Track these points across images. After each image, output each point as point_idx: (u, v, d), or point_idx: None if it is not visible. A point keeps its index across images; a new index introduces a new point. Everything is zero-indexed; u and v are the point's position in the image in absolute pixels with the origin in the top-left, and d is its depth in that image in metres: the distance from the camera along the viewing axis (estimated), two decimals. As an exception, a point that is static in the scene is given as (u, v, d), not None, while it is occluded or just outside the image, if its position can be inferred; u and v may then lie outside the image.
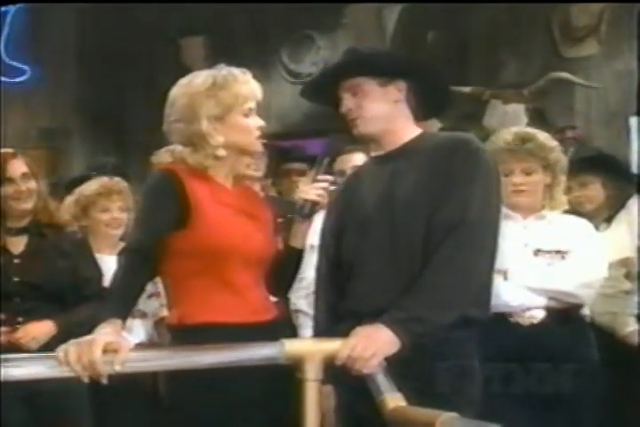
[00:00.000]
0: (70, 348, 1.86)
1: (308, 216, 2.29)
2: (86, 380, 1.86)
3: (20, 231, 3.07)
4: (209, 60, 6.58)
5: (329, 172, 2.32)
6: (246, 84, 2.27)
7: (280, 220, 2.85)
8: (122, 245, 2.81)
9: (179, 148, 2.33)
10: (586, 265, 2.80)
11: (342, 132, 2.39)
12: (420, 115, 2.36)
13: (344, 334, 2.05)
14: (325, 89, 2.33)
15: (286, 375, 1.97)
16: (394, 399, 1.90)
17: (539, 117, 5.53)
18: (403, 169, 2.24)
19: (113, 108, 7.43)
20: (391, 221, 2.19)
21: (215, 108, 2.22)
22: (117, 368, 1.86)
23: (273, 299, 2.41)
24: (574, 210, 3.29)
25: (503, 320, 2.73)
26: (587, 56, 5.71)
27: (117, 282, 2.09)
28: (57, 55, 7.41)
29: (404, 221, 2.17)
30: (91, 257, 3.31)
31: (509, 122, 5.14)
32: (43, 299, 3.00)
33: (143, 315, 3.44)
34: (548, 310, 2.77)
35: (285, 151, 4.62)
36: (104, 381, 1.86)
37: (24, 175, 3.06)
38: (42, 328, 2.94)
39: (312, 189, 2.27)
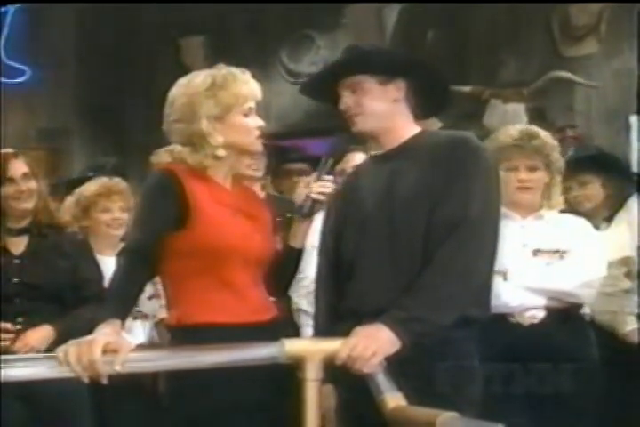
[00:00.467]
0: (70, 348, 1.86)
1: (308, 215, 2.29)
2: (86, 380, 1.86)
3: (20, 232, 3.07)
4: (209, 59, 6.58)
5: (331, 172, 2.32)
6: (246, 84, 2.26)
7: (279, 219, 2.85)
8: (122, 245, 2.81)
9: (178, 147, 2.33)
10: (585, 264, 2.80)
11: (343, 132, 2.39)
12: (420, 114, 2.36)
13: (344, 333, 2.04)
14: (325, 86, 2.33)
15: (286, 375, 1.97)
16: (394, 399, 1.90)
17: (538, 117, 5.52)
18: (402, 168, 2.23)
19: (113, 109, 7.43)
20: (390, 219, 2.19)
21: (215, 108, 2.22)
22: (117, 368, 1.85)
23: (272, 298, 2.41)
24: (573, 209, 3.29)
25: (504, 320, 2.73)
26: (586, 55, 5.71)
27: (116, 282, 2.09)
28: (56, 55, 7.40)
29: (404, 219, 2.17)
30: (91, 258, 3.30)
31: (509, 121, 5.12)
32: (43, 300, 3.00)
33: (144, 316, 3.44)
34: (548, 309, 2.77)
35: (285, 151, 4.62)
36: (104, 381, 1.86)
37: (25, 175, 3.06)
38: (40, 335, 2.93)
39: (319, 187, 2.26)
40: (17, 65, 7.29)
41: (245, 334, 2.06)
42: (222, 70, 2.27)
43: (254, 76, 2.31)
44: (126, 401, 3.24)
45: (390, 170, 2.25)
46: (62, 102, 7.46)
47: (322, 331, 2.32)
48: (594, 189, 3.67)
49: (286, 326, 2.86)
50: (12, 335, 2.90)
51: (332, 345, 1.99)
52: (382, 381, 1.94)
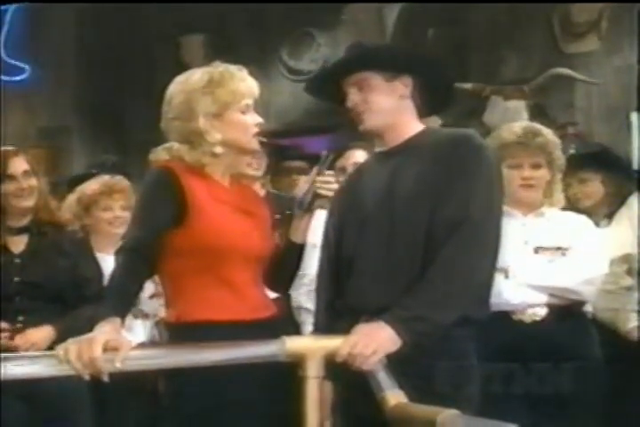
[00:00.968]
0: (70, 346, 1.85)
1: (308, 209, 2.28)
2: (87, 378, 1.86)
3: (20, 230, 3.07)
4: (209, 58, 6.55)
5: (330, 168, 2.31)
6: (243, 81, 2.26)
7: (279, 216, 2.85)
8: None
9: (176, 145, 2.33)
10: (586, 261, 2.80)
11: (343, 129, 2.38)
12: (424, 111, 2.35)
13: (344, 331, 2.04)
14: (330, 84, 2.32)
15: (287, 373, 1.97)
16: (395, 396, 1.89)
17: (539, 114, 5.51)
18: (404, 165, 2.23)
19: (113, 107, 7.42)
20: (391, 217, 2.18)
21: (212, 106, 2.21)
22: (118, 366, 1.85)
23: (272, 295, 2.40)
24: (573, 206, 3.29)
25: (505, 318, 2.73)
26: (587, 52, 5.70)
27: (115, 280, 2.08)
28: (56, 54, 7.39)
29: (405, 218, 2.16)
30: (91, 256, 3.30)
31: (510, 118, 5.12)
32: (43, 298, 2.99)
33: (145, 315, 3.44)
34: (550, 307, 2.77)
35: (284, 149, 4.61)
36: (105, 378, 1.86)
37: (25, 173, 3.06)
38: (41, 334, 2.92)
39: (321, 182, 2.25)
40: (17, 63, 7.28)
41: (244, 332, 2.05)
42: (219, 67, 2.26)
43: (254, 75, 2.30)
44: (126, 401, 3.23)
45: (392, 168, 2.25)
46: (62, 101, 7.45)
47: (321, 329, 2.32)
48: (594, 187, 3.67)
49: (286, 324, 2.85)
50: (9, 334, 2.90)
51: (332, 343, 1.99)
52: (383, 378, 1.94)
